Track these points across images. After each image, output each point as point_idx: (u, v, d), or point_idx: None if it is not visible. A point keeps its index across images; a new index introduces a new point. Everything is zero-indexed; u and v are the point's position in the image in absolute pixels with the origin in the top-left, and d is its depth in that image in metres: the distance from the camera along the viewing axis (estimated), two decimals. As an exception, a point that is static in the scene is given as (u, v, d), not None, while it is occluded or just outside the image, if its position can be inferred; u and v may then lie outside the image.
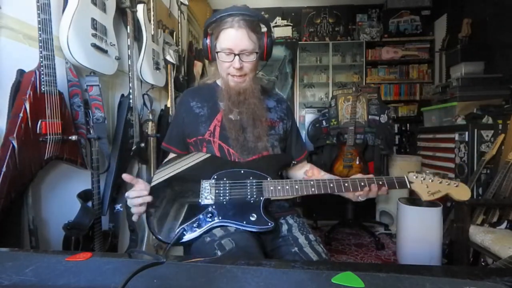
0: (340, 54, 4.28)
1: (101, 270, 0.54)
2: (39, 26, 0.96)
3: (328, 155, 2.84)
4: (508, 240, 1.36)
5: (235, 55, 0.90)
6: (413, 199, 2.13)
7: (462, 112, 2.47)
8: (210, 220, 0.85)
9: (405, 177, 0.85)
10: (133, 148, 1.55)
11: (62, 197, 1.21)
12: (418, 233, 1.86)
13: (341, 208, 2.62)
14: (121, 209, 1.51)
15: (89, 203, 1.27)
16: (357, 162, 2.47)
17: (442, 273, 0.55)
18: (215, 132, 0.96)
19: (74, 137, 1.11)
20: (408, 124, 3.92)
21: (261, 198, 0.87)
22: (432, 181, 0.82)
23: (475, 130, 2.15)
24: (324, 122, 2.94)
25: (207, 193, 0.88)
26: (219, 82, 1.04)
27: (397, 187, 0.85)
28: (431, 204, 1.96)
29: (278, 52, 4.07)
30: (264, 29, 0.96)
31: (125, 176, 0.86)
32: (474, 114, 2.32)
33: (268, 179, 0.89)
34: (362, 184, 0.86)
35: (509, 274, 0.52)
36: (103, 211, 1.37)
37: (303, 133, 4.09)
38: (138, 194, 0.86)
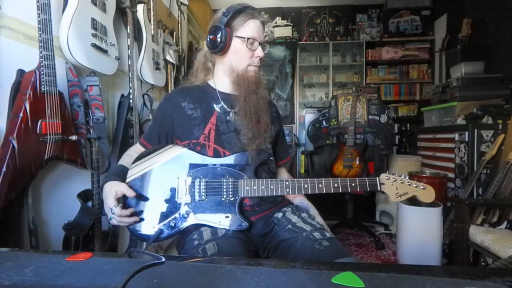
0: (340, 54, 4.28)
1: (101, 270, 0.54)
2: (39, 26, 0.96)
3: (328, 155, 2.84)
4: (508, 240, 1.36)
5: (259, 44, 0.93)
6: (413, 199, 2.12)
7: (462, 112, 2.47)
8: (186, 219, 0.86)
9: (377, 179, 0.87)
10: (133, 148, 1.55)
11: (62, 197, 1.21)
12: (418, 233, 1.85)
13: (341, 208, 2.62)
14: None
15: (89, 203, 1.27)
16: (357, 162, 2.47)
17: (442, 273, 0.55)
18: (210, 135, 0.93)
19: (74, 137, 1.11)
20: (408, 124, 3.92)
21: (237, 197, 0.87)
22: (402, 183, 0.86)
23: (475, 130, 2.15)
24: (324, 122, 2.94)
25: (184, 191, 0.87)
26: (211, 83, 1.01)
27: (368, 189, 0.87)
28: (431, 204, 1.96)
29: (278, 52, 4.07)
30: None
31: (131, 194, 0.84)
32: (474, 114, 2.32)
33: (245, 177, 0.89)
34: (336, 185, 0.86)
35: (509, 274, 0.52)
36: (103, 211, 1.36)
37: (303, 133, 4.09)
38: (128, 220, 0.84)
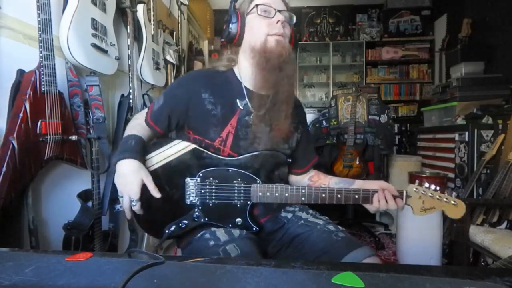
0: (340, 54, 4.29)
1: (101, 270, 0.54)
2: (39, 26, 0.96)
3: (328, 155, 2.84)
4: (508, 240, 1.36)
5: (276, 11, 0.82)
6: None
7: (462, 112, 2.47)
8: (195, 220, 0.84)
9: (404, 191, 0.80)
10: (133, 148, 1.55)
11: (62, 197, 1.21)
12: (418, 233, 1.85)
13: (341, 208, 2.62)
14: (121, 209, 1.50)
15: (89, 203, 1.27)
16: (357, 162, 2.47)
17: (442, 273, 0.55)
18: (227, 140, 0.84)
19: (74, 137, 1.11)
20: (408, 124, 3.92)
21: (248, 202, 0.83)
22: (431, 196, 0.77)
23: (475, 130, 2.15)
24: (324, 122, 2.94)
25: (193, 193, 0.83)
26: (236, 71, 0.90)
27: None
28: (431, 204, 1.96)
29: (278, 52, 4.06)
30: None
31: (157, 195, 0.79)
32: (474, 114, 2.32)
33: (258, 181, 0.83)
34: (356, 197, 0.81)
35: (509, 274, 0.52)
36: (103, 211, 1.37)
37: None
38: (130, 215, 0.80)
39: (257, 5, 0.82)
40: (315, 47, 4.29)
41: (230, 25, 0.84)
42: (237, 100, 0.86)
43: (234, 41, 0.85)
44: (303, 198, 0.82)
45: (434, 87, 3.41)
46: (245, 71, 0.87)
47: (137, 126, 0.89)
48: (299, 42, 4.15)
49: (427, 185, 0.79)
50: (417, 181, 0.81)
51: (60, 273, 0.52)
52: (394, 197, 0.81)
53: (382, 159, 2.53)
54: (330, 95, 3.83)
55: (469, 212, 1.62)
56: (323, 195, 0.82)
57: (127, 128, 0.90)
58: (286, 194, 0.82)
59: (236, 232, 0.83)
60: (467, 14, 3.05)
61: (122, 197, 0.80)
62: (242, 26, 0.84)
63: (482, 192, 2.02)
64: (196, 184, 0.83)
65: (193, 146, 0.84)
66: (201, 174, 0.83)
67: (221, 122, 0.84)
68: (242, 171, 0.83)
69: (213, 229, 0.84)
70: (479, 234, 1.49)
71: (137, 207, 0.78)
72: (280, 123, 0.85)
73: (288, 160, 0.91)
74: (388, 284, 0.48)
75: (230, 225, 0.84)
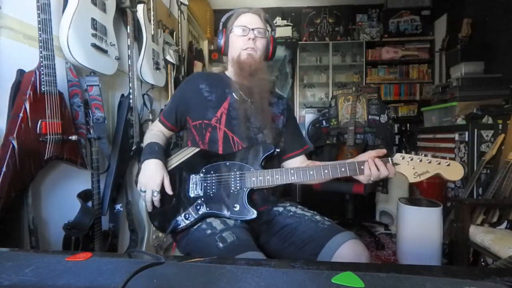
0: (340, 54, 4.28)
1: (101, 270, 0.54)
2: (39, 26, 0.96)
3: (328, 155, 2.84)
4: (508, 240, 1.36)
5: (250, 30, 1.00)
6: (413, 199, 2.13)
7: (462, 112, 2.47)
8: (198, 210, 0.92)
9: (390, 159, 0.83)
10: (133, 148, 1.55)
11: (62, 197, 1.21)
12: (418, 233, 1.85)
13: (341, 208, 2.62)
14: (121, 209, 1.51)
15: (89, 203, 1.27)
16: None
17: (442, 273, 0.55)
18: (222, 119, 0.99)
19: (74, 137, 1.11)
20: (408, 124, 3.92)
21: (244, 188, 0.92)
22: (420, 161, 0.78)
23: (475, 130, 2.15)
24: (324, 122, 2.94)
25: (196, 187, 0.95)
26: (228, 73, 1.09)
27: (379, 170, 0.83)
28: (431, 204, 1.96)
29: (278, 52, 4.06)
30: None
31: (170, 192, 0.93)
32: (474, 114, 2.32)
33: (252, 169, 0.94)
34: (343, 169, 0.87)
35: (509, 274, 0.52)
36: (103, 211, 1.37)
37: (303, 133, 4.09)
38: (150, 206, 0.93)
39: (236, 26, 1.03)
40: (315, 47, 4.29)
41: (219, 40, 1.07)
42: (227, 90, 1.04)
43: (222, 52, 1.08)
44: (292, 178, 0.90)
45: (434, 87, 3.41)
46: (231, 73, 1.08)
47: (154, 136, 1.05)
48: (299, 42, 4.18)
49: (413, 153, 0.80)
50: (402, 151, 0.82)
51: (60, 273, 0.52)
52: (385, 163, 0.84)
53: (382, 159, 2.52)
54: (330, 95, 3.83)
55: (469, 212, 1.62)
56: (311, 172, 0.89)
57: (145, 138, 1.07)
58: (277, 176, 0.91)
59: (231, 222, 0.90)
60: (467, 14, 3.05)
61: (144, 191, 0.92)
62: (226, 41, 1.06)
63: (482, 192, 2.02)
64: (199, 178, 0.95)
65: (198, 149, 1.00)
66: (203, 170, 0.96)
67: (216, 105, 1.01)
68: (238, 162, 0.96)
69: (208, 220, 0.91)
70: (479, 234, 1.49)
71: (157, 198, 0.91)
72: (261, 106, 1.01)
73: (277, 150, 0.99)
74: (388, 284, 0.48)
75: (229, 212, 0.91)
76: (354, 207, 2.56)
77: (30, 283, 0.49)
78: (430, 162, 0.77)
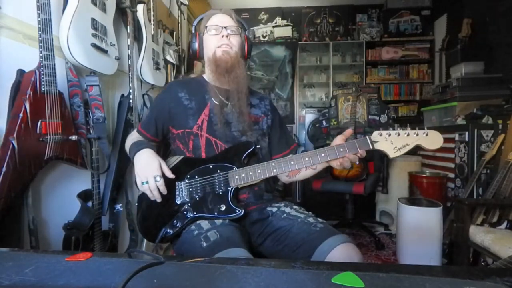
0: (340, 54, 4.28)
1: (101, 270, 0.54)
2: (39, 26, 0.96)
3: (328, 155, 2.83)
4: (508, 240, 1.36)
5: (222, 28, 0.99)
6: (413, 199, 2.13)
7: (462, 112, 2.47)
8: (186, 215, 0.93)
9: (367, 138, 0.83)
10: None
11: (62, 197, 1.21)
12: (418, 233, 1.85)
13: (341, 208, 2.62)
14: (121, 209, 1.51)
15: (89, 203, 1.27)
16: (357, 162, 2.47)
17: (442, 273, 0.55)
18: (203, 126, 0.99)
19: (74, 137, 1.11)
20: (408, 124, 3.88)
21: (228, 188, 0.93)
22: (398, 135, 0.79)
23: (475, 130, 2.15)
24: (324, 122, 2.94)
25: (182, 193, 0.95)
26: (205, 77, 1.08)
27: (359, 149, 0.83)
28: (431, 204, 1.96)
29: (278, 52, 4.07)
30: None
31: (171, 175, 0.92)
32: (474, 114, 2.32)
33: (234, 168, 0.94)
34: (323, 155, 0.85)
35: (509, 274, 0.52)
36: (103, 211, 1.37)
37: (303, 133, 4.09)
38: (157, 194, 0.91)
39: (206, 26, 1.02)
40: (315, 47, 4.28)
41: (192, 44, 1.05)
42: (206, 97, 1.03)
43: (197, 56, 1.05)
44: (274, 170, 0.90)
45: (434, 87, 3.40)
46: (209, 76, 1.05)
47: (136, 139, 1.04)
48: (299, 42, 4.18)
49: (391, 130, 0.82)
50: (380, 129, 0.83)
51: (60, 273, 0.52)
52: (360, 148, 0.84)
53: (382, 159, 2.53)
54: (330, 95, 3.83)
55: (469, 212, 1.62)
56: (292, 162, 0.88)
57: (127, 143, 1.06)
58: (259, 171, 0.91)
59: (219, 221, 0.91)
60: (467, 14, 3.05)
61: (146, 182, 0.90)
62: (200, 44, 1.04)
63: (482, 192, 2.02)
64: (184, 184, 0.95)
65: (181, 157, 1.00)
66: (188, 176, 0.96)
67: (196, 112, 1.00)
68: (220, 163, 0.95)
69: (198, 221, 0.92)
70: (479, 234, 1.49)
71: (161, 182, 0.89)
72: (241, 108, 1.00)
73: (257, 146, 1.01)
74: (388, 284, 0.48)
75: (216, 213, 0.92)
76: (354, 207, 2.56)
77: (30, 283, 0.49)
78: (408, 135, 0.78)
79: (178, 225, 0.92)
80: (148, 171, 0.90)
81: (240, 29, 1.04)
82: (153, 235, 0.94)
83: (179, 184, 0.95)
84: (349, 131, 0.89)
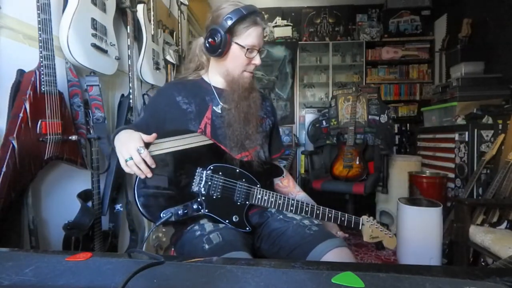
0: (340, 54, 4.28)
1: (101, 270, 0.54)
2: (39, 26, 0.96)
3: (328, 155, 2.84)
4: (508, 240, 1.36)
5: (257, 52, 0.95)
6: (413, 199, 2.13)
7: (462, 112, 2.47)
8: (196, 209, 0.87)
9: (361, 219, 0.95)
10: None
11: (62, 197, 1.21)
12: (418, 233, 1.85)
13: (341, 208, 2.61)
14: (121, 209, 1.51)
15: (89, 203, 1.27)
16: (357, 162, 2.47)
17: (442, 273, 0.55)
18: (206, 130, 0.95)
19: (74, 137, 1.11)
20: (408, 124, 3.92)
21: (247, 202, 0.91)
22: (377, 228, 0.96)
23: (475, 130, 2.15)
24: (324, 122, 2.94)
25: (200, 182, 0.87)
26: (206, 78, 1.03)
27: (352, 226, 0.95)
28: (431, 204, 1.96)
29: (278, 52, 4.07)
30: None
31: (152, 138, 0.83)
32: (474, 114, 2.32)
33: (258, 185, 0.93)
34: (330, 215, 0.93)
35: (509, 274, 0.52)
36: (103, 211, 1.37)
37: (303, 133, 4.09)
38: (144, 168, 0.81)
39: (247, 48, 0.92)
40: (315, 47, 4.28)
41: (217, 44, 0.91)
42: (207, 99, 0.98)
43: (214, 55, 0.95)
44: (291, 208, 0.92)
45: (434, 87, 3.40)
46: (216, 77, 1.01)
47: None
48: (299, 42, 4.18)
49: (374, 220, 0.98)
50: (367, 214, 0.98)
51: (60, 273, 0.52)
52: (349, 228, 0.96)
53: (382, 159, 2.53)
54: (330, 95, 3.83)
55: (469, 212, 1.62)
56: (306, 209, 0.93)
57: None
58: (279, 202, 0.92)
59: (222, 224, 0.89)
60: (467, 14, 3.05)
61: (131, 158, 0.80)
62: (228, 50, 0.93)
63: (482, 192, 2.02)
64: (206, 175, 0.89)
65: (212, 141, 0.93)
66: (212, 167, 0.90)
67: (197, 116, 0.95)
68: (248, 173, 0.93)
69: (202, 221, 0.90)
70: (479, 234, 1.49)
71: (145, 153, 0.79)
72: (244, 120, 0.96)
73: (264, 151, 1.04)
74: (388, 284, 0.48)
75: (227, 221, 0.89)
76: (354, 207, 2.56)
77: (30, 283, 0.49)
78: (382, 231, 0.96)
79: (185, 214, 0.85)
80: (129, 144, 0.80)
81: (263, 53, 0.99)
82: (154, 212, 0.83)
83: (200, 171, 0.88)
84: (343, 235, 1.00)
